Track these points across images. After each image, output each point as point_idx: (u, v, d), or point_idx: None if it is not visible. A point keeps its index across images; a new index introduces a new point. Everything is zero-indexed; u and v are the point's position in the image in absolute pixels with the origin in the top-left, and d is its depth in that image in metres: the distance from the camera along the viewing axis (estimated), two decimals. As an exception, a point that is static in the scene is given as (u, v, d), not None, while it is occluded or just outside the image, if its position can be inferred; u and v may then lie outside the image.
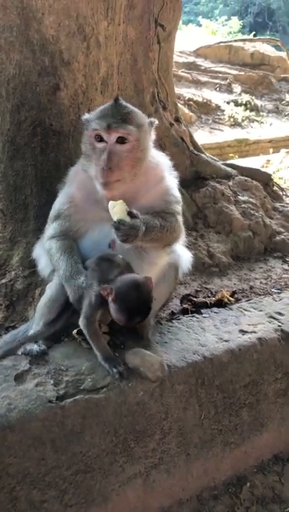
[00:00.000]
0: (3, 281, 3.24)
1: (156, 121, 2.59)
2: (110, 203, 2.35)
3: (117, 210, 2.31)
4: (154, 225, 2.44)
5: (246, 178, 4.42)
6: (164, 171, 2.70)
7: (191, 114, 14.15)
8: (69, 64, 3.16)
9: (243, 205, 4.14)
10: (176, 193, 2.74)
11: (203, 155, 4.48)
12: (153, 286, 2.32)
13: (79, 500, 2.19)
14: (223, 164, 4.69)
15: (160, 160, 2.71)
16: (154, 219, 2.46)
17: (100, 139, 2.41)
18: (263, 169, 6.35)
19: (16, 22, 2.98)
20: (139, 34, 3.70)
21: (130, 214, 2.31)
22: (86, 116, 2.53)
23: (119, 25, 3.42)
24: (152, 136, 2.57)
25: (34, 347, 2.41)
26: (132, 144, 2.40)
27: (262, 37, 23.40)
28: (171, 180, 2.73)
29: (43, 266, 2.82)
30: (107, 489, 2.26)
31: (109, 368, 2.30)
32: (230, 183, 4.32)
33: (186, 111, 13.63)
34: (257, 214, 4.12)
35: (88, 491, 2.21)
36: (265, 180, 4.73)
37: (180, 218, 2.73)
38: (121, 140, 2.38)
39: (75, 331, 2.47)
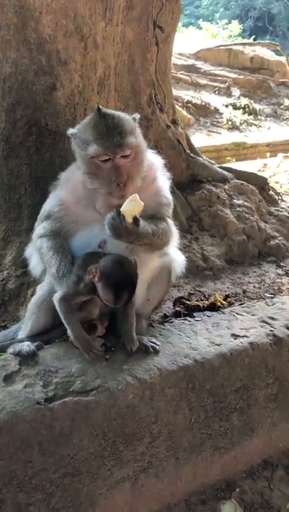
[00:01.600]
0: (-5, 280, 3.22)
1: (138, 116, 2.57)
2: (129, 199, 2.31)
3: (130, 206, 2.29)
4: (147, 233, 2.42)
5: (242, 182, 4.43)
6: (157, 171, 2.69)
7: (189, 116, 14.16)
8: (66, 64, 3.14)
9: (238, 209, 4.14)
10: (168, 194, 2.72)
11: (199, 158, 4.48)
12: (137, 266, 2.34)
13: (66, 503, 2.17)
14: (219, 168, 4.69)
15: (153, 161, 2.70)
16: (147, 226, 2.44)
17: (105, 160, 2.37)
18: (260, 173, 6.37)
19: (13, 20, 2.96)
20: (137, 35, 3.70)
21: (134, 219, 2.30)
22: (73, 131, 2.48)
23: (117, 25, 3.41)
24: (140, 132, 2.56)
25: (24, 347, 2.39)
26: (135, 152, 2.41)
27: (262, 41, 23.44)
28: (164, 181, 2.72)
29: (35, 265, 2.81)
30: (94, 493, 2.24)
31: (82, 350, 2.36)
32: (226, 187, 4.32)
33: (185, 113, 13.65)
34: (252, 218, 4.12)
35: (76, 494, 2.19)
36: (260, 184, 4.73)
37: (170, 222, 2.72)
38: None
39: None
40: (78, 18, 3.08)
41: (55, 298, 2.39)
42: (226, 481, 2.67)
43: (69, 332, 2.39)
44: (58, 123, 3.25)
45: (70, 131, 2.48)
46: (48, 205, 2.67)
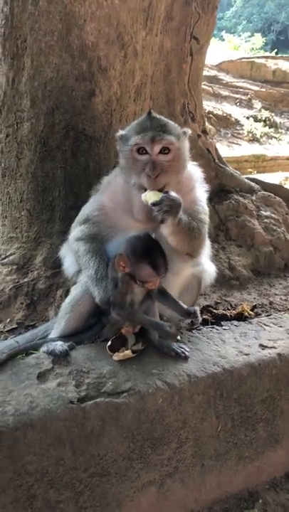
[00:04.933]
0: (26, 280, 3.27)
1: (190, 131, 2.61)
2: (142, 195, 2.34)
3: (150, 195, 2.31)
4: (185, 219, 2.43)
5: (269, 194, 4.44)
6: (196, 182, 2.72)
7: (210, 127, 14.21)
8: (106, 71, 3.20)
9: (265, 220, 4.15)
10: (205, 205, 2.74)
11: (227, 168, 4.51)
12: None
13: (94, 503, 2.19)
14: (246, 178, 4.71)
15: (193, 172, 2.73)
16: (185, 215, 2.46)
17: (142, 152, 2.42)
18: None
19: (57, 27, 3.03)
20: (175, 45, 3.75)
21: (165, 192, 2.30)
22: (122, 132, 2.55)
23: (156, 35, 3.46)
24: (188, 145, 2.59)
25: (57, 347, 2.42)
26: (174, 154, 2.43)
27: (285, 55, 23.49)
28: (201, 193, 2.74)
29: (68, 265, 2.86)
30: (121, 494, 2.26)
31: (164, 334, 2.43)
32: (254, 198, 4.33)
33: (206, 123, 13.71)
34: (279, 230, 4.13)
35: (103, 494, 2.21)
36: (287, 196, 4.73)
37: (206, 229, 2.74)
38: (163, 150, 2.40)
39: (108, 345, 2.48)
40: (120, 27, 3.14)
41: (121, 317, 2.44)
42: (249, 491, 2.66)
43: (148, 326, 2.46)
44: (94, 128, 3.31)
45: (119, 133, 2.54)
46: (88, 209, 2.72)
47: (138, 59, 3.35)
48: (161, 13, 3.43)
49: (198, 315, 2.50)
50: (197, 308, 2.50)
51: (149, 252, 2.32)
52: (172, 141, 2.40)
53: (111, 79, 3.24)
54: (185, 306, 2.51)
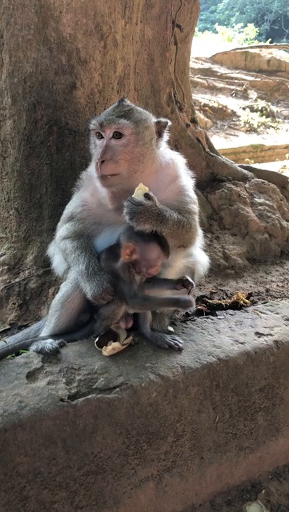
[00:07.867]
0: (17, 280, 3.23)
1: (170, 122, 2.55)
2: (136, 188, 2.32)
3: (137, 192, 2.29)
4: (171, 216, 2.37)
5: (263, 181, 4.37)
6: (179, 170, 2.64)
7: (206, 119, 14.17)
8: (86, 63, 3.14)
9: (259, 207, 4.08)
10: (192, 193, 2.66)
11: (219, 157, 4.44)
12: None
13: (90, 502, 2.14)
14: (239, 167, 4.64)
15: (173, 159, 2.64)
16: (172, 211, 2.40)
17: (100, 137, 2.42)
18: (279, 173, 6.27)
19: (33, 20, 2.98)
20: (157, 34, 3.68)
21: (146, 195, 2.28)
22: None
23: (136, 24, 3.40)
24: (164, 136, 2.53)
25: (47, 345, 2.38)
26: (128, 139, 2.37)
27: (278, 43, 23.30)
28: (187, 180, 2.66)
29: (57, 263, 2.80)
30: (118, 492, 2.21)
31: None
32: (247, 185, 4.26)
33: (202, 116, 13.66)
34: (273, 216, 4.06)
35: (99, 492, 2.16)
36: (281, 183, 4.66)
37: (196, 219, 2.66)
38: (116, 135, 2.37)
39: (96, 341, 2.44)
40: (98, 17, 3.08)
41: (135, 307, 2.41)
42: (251, 482, 2.61)
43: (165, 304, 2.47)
44: (78, 122, 3.25)
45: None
46: (71, 207, 2.67)
47: (119, 49, 3.28)
48: (140, 1, 3.37)
49: (191, 280, 2.44)
50: (187, 276, 2.44)
51: (154, 233, 2.31)
52: (123, 125, 2.35)
53: (92, 71, 3.19)
54: (175, 279, 2.45)
